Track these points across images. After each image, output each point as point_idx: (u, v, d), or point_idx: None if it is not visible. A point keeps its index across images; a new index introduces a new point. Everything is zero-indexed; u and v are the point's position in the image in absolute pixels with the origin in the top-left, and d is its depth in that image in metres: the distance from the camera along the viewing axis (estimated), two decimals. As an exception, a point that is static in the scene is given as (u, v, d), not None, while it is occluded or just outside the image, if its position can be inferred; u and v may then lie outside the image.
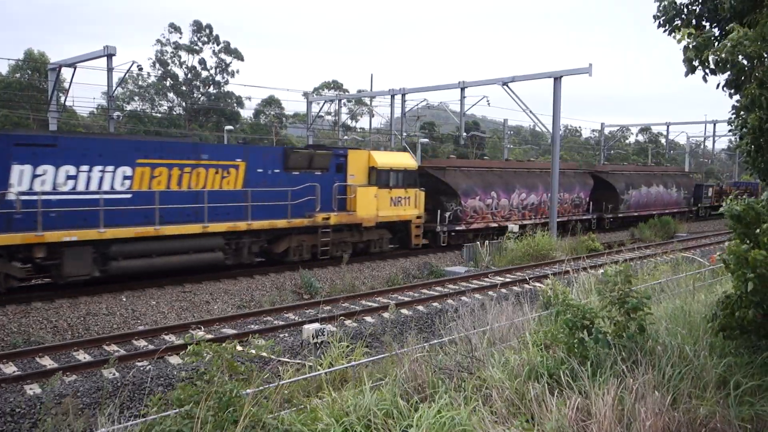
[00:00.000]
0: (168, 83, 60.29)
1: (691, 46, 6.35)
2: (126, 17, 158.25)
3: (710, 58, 6.10)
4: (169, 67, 59.93)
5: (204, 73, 61.44)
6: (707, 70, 6.33)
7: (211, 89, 62.16)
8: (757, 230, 5.87)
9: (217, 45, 60.93)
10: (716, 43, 6.27)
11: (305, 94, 44.11)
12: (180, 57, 60.27)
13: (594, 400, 5.56)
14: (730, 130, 7.25)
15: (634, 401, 5.54)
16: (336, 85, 66.23)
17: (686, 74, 6.52)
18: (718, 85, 6.74)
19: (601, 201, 35.81)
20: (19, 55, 54.60)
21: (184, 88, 60.81)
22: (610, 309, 6.84)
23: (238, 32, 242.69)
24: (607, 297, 6.92)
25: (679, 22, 7.03)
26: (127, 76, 30.96)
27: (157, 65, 59.05)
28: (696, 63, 6.33)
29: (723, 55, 5.94)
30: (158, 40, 59.65)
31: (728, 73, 6.41)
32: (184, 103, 60.14)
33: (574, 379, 6.04)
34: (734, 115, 6.90)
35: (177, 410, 5.72)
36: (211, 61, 61.36)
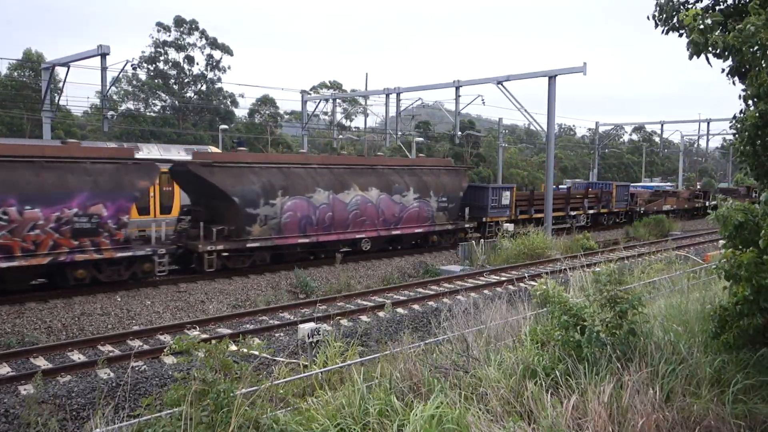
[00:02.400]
0: (158, 81, 59.84)
1: (697, 28, 5.90)
2: (126, 17, 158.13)
3: (719, 42, 5.72)
4: (157, 65, 59.48)
5: (195, 70, 61.04)
6: (712, 55, 5.94)
7: (203, 87, 61.72)
8: (759, 237, 5.78)
9: (206, 40, 60.35)
10: (721, 29, 5.95)
11: (302, 92, 43.77)
12: (168, 54, 59.88)
13: (590, 398, 5.56)
14: (730, 126, 7.06)
15: (628, 399, 5.55)
16: (336, 85, 65.99)
17: (690, 57, 6.12)
18: (723, 71, 6.48)
19: (210, 220, 19.54)
20: (14, 54, 54.36)
21: (173, 84, 60.39)
22: (600, 311, 6.83)
23: (238, 33, 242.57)
24: (597, 300, 6.92)
25: (676, 20, 6.58)
26: (121, 75, 30.67)
27: (144, 64, 58.66)
28: (701, 47, 5.89)
29: (730, 41, 5.62)
30: (154, 40, 59.39)
31: (731, 59, 6.05)
32: (177, 102, 59.76)
33: (570, 378, 6.05)
34: (742, 103, 6.64)
35: (170, 411, 5.70)
36: (200, 56, 60.93)
